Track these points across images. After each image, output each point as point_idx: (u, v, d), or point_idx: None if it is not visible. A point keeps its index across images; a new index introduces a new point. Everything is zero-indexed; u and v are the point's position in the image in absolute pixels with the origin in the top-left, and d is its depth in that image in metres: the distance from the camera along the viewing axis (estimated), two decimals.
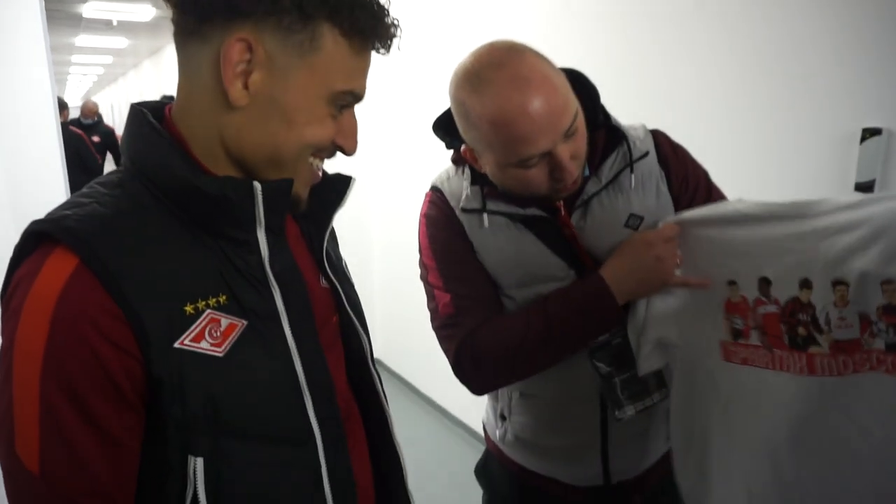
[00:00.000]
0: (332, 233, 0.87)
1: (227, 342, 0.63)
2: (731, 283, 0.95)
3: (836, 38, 1.41)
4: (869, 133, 1.37)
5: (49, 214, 0.61)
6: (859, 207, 0.82)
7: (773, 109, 1.56)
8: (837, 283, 0.83)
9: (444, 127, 1.07)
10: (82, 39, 8.95)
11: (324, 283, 0.79)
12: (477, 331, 1.00)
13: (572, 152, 0.93)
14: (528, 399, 1.11)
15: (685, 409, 1.04)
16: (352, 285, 0.86)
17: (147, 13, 6.92)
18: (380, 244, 3.70)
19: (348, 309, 0.81)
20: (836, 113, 1.43)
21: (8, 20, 2.69)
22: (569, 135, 0.92)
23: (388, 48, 0.68)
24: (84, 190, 0.65)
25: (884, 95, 1.35)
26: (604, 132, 1.03)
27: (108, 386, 0.57)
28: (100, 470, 0.58)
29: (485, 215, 1.01)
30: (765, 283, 0.91)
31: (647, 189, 1.03)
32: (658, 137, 1.06)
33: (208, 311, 0.62)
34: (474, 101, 0.91)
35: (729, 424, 0.99)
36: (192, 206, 0.63)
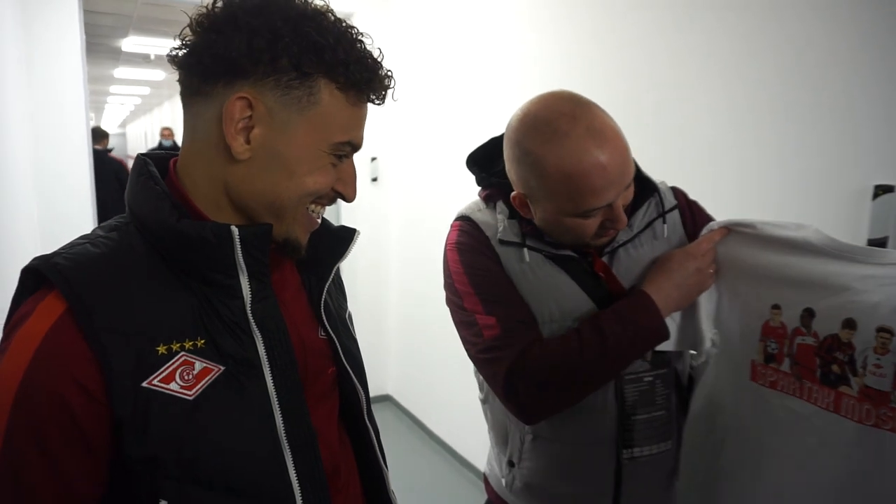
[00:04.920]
0: (340, 284, 0.89)
1: (198, 386, 0.63)
2: (775, 307, 0.95)
3: (852, 95, 1.42)
4: (881, 190, 1.36)
5: (50, 253, 0.64)
6: None
7: (786, 165, 1.56)
8: (882, 329, 0.83)
9: (478, 163, 1.10)
10: (121, 71, 9.30)
11: (322, 334, 0.80)
12: (529, 352, 0.97)
13: (624, 203, 0.97)
14: (541, 442, 1.10)
15: (704, 416, 1.06)
16: (351, 337, 0.86)
17: None
18: (397, 285, 3.72)
19: (344, 361, 0.80)
20: (849, 169, 1.43)
21: (51, 53, 2.83)
22: (628, 186, 0.96)
23: (382, 99, 0.72)
24: (85, 234, 0.68)
25: None
26: (633, 184, 1.04)
27: (72, 430, 0.59)
28: None
29: (525, 250, 1.02)
30: (808, 314, 0.91)
31: (671, 242, 1.06)
32: (677, 193, 1.11)
33: (182, 353, 0.63)
34: (546, 151, 0.92)
35: (745, 441, 1.00)
36: (176, 251, 0.65)
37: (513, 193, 1.02)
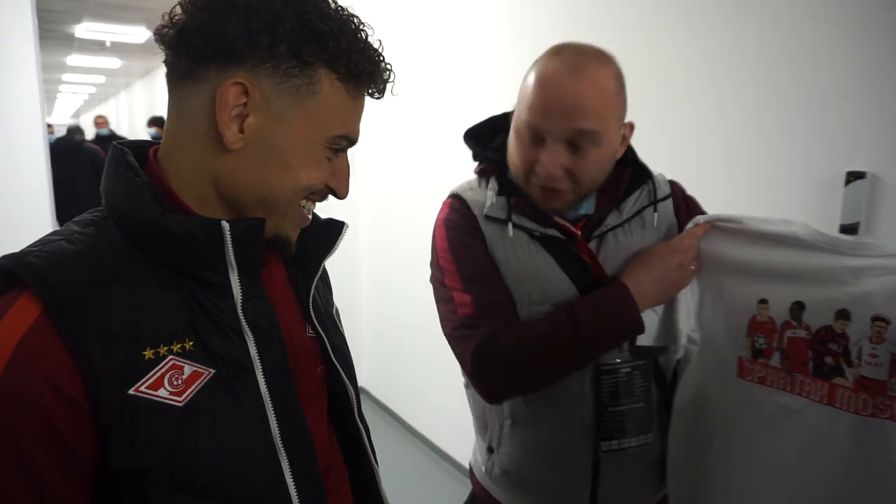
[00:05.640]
0: (326, 279, 0.86)
1: (188, 391, 0.60)
2: (762, 301, 0.95)
3: (823, 83, 1.44)
4: (853, 176, 1.39)
5: (20, 251, 0.60)
6: None
7: (760, 151, 1.58)
8: (878, 318, 0.83)
9: (475, 137, 1.12)
10: (74, 59, 8.95)
11: (310, 331, 0.77)
12: (499, 333, 0.96)
13: (565, 163, 0.95)
14: (520, 428, 1.09)
15: (689, 415, 1.05)
16: (339, 333, 0.84)
17: (141, 35, 6.95)
18: (368, 275, 3.69)
19: (334, 359, 0.78)
20: (822, 156, 1.46)
21: (0, 40, 2.70)
22: (572, 144, 0.94)
23: (382, 92, 0.69)
24: (59, 228, 0.64)
25: (868, 139, 1.37)
26: (630, 170, 1.05)
27: (52, 438, 0.55)
28: None
29: (509, 225, 1.02)
30: (798, 307, 0.91)
31: (661, 231, 1.06)
32: (674, 187, 1.10)
33: (170, 356, 0.59)
34: (539, 61, 0.98)
35: (733, 438, 1.00)
36: (160, 247, 0.61)
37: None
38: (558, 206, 1.01)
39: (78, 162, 5.62)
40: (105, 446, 0.56)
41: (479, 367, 0.97)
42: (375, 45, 0.67)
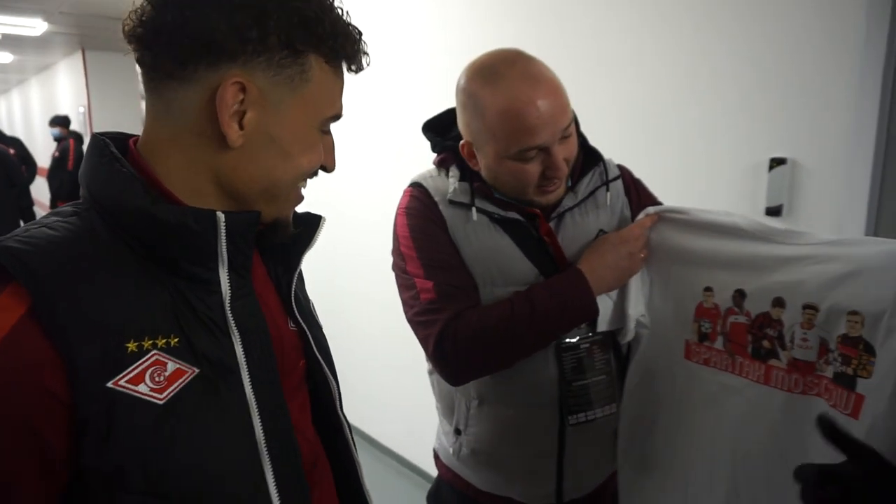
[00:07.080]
0: (300, 274, 0.84)
1: (170, 389, 0.56)
2: (708, 289, 1.01)
3: (748, 76, 1.54)
4: (776, 162, 1.50)
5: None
6: (843, 245, 0.88)
7: (691, 139, 1.68)
8: (808, 306, 0.90)
9: (434, 129, 1.14)
10: None
11: (291, 325, 0.76)
12: (461, 315, 1.00)
13: (565, 155, 1.00)
14: (487, 407, 1.12)
15: (639, 395, 1.10)
16: (320, 328, 0.83)
17: (38, 27, 6.46)
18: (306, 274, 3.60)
19: (316, 353, 0.77)
20: (748, 144, 1.56)
21: None
22: (564, 136, 0.99)
23: (361, 66, 0.70)
24: (37, 220, 0.61)
25: (789, 128, 1.49)
26: (581, 154, 1.10)
27: (31, 441, 0.52)
28: None
29: (473, 209, 1.05)
30: (740, 295, 0.97)
31: (615, 210, 1.11)
32: (622, 170, 1.16)
33: (154, 351, 0.56)
34: (486, 92, 0.97)
35: (679, 419, 1.06)
36: (148, 238, 0.59)
37: (461, 142, 1.05)
38: (558, 195, 1.06)
39: None
40: (79, 441, 0.53)
41: (441, 350, 1.00)
42: (349, 20, 0.67)
